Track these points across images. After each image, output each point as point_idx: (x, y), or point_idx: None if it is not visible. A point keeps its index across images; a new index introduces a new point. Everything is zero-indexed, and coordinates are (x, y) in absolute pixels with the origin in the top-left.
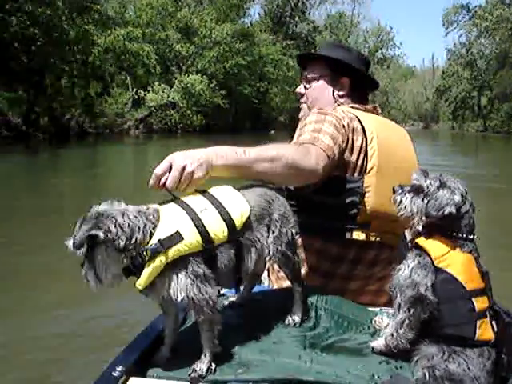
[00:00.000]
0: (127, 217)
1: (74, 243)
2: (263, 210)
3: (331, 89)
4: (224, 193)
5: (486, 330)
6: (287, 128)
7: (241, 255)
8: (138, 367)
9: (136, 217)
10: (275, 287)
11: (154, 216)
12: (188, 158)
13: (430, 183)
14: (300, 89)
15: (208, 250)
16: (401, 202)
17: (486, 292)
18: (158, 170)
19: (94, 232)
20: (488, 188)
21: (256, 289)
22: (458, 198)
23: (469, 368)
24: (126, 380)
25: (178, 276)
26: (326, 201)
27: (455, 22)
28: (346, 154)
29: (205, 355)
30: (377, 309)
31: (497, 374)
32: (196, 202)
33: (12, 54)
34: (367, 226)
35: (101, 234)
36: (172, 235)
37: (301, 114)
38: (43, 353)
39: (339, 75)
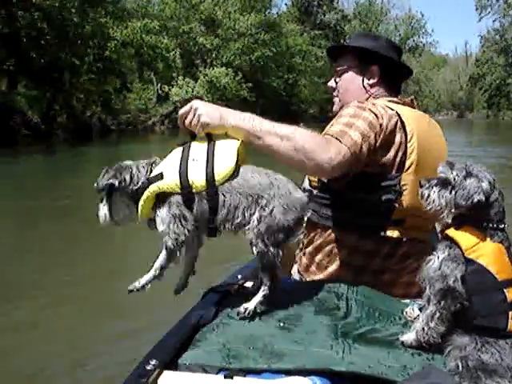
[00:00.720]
0: (138, 169)
1: (97, 187)
2: (260, 185)
3: (361, 79)
4: (224, 148)
5: None
6: (317, 120)
7: (216, 208)
8: (171, 360)
9: (144, 167)
10: (306, 280)
11: (156, 162)
12: (206, 107)
13: (457, 174)
14: (331, 83)
15: (186, 194)
16: (428, 196)
17: None
18: (181, 111)
19: (111, 181)
20: None
21: (286, 281)
22: (485, 185)
23: (502, 358)
24: (160, 373)
25: (161, 212)
26: (360, 197)
27: (489, 6)
28: (382, 152)
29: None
30: (408, 300)
31: None
32: (195, 150)
33: (22, 50)
34: (401, 222)
35: (116, 183)
36: (156, 175)
37: (334, 109)
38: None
39: (368, 64)
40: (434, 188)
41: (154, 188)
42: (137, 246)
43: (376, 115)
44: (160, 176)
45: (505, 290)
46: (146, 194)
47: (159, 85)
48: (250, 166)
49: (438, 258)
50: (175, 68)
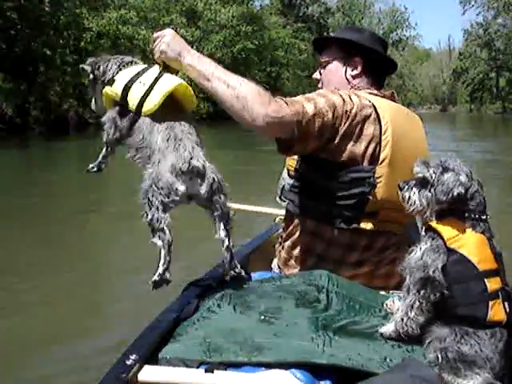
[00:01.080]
0: (111, 65)
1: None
2: (156, 144)
3: (344, 70)
4: (164, 82)
5: (498, 311)
6: None
7: (131, 134)
8: (152, 355)
9: (116, 64)
10: (285, 274)
11: (132, 63)
12: (173, 38)
13: (433, 171)
14: (316, 74)
15: (122, 107)
16: (409, 198)
17: (499, 273)
18: (154, 35)
19: (84, 66)
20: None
21: (266, 275)
22: (463, 178)
23: (481, 349)
24: (140, 368)
25: (107, 112)
26: (334, 187)
27: None
28: (350, 142)
29: None
30: (388, 293)
31: (509, 356)
32: (148, 75)
33: None
34: (375, 215)
35: (89, 69)
36: (110, 79)
37: None
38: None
39: (352, 56)
40: (414, 189)
41: (105, 89)
42: (108, 246)
43: (344, 100)
44: (112, 81)
45: (485, 280)
46: (104, 90)
47: None
48: (181, 124)
49: (421, 248)
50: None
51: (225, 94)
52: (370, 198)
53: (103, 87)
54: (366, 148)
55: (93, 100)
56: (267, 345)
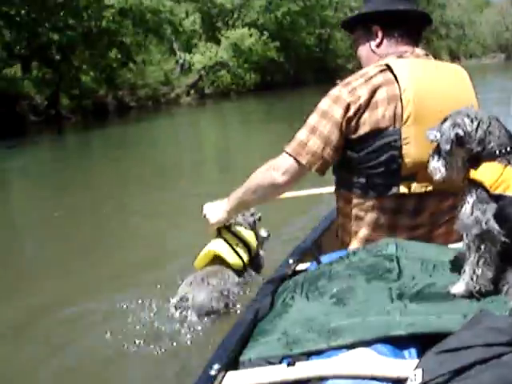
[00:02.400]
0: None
1: None
2: None
3: (368, 44)
4: (209, 246)
5: None
6: None
7: None
8: (234, 360)
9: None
10: (348, 249)
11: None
12: (210, 210)
13: (437, 129)
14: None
15: None
16: (434, 167)
17: None
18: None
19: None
20: None
21: (336, 255)
22: (460, 119)
23: None
24: (224, 376)
25: None
26: (363, 159)
27: None
28: (367, 114)
29: None
30: (458, 244)
31: None
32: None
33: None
34: (413, 177)
35: None
36: None
37: None
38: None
39: (370, 27)
40: (435, 157)
41: None
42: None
43: (337, 96)
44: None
45: None
46: None
47: (178, 54)
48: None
49: (468, 202)
50: (195, 34)
51: (256, 200)
52: (402, 160)
53: None
54: (385, 111)
55: None
56: (344, 327)
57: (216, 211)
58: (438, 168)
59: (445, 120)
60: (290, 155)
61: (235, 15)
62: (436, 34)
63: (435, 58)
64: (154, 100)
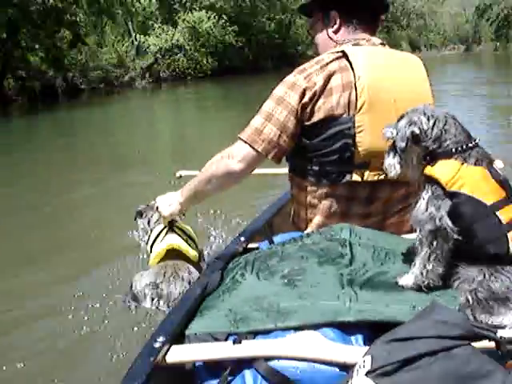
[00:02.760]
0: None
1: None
2: None
3: (325, 29)
4: (165, 241)
5: None
6: None
7: None
8: (179, 334)
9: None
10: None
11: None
12: (162, 201)
13: (393, 127)
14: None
15: None
16: (389, 164)
17: (511, 200)
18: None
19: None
20: None
21: (288, 236)
22: (416, 117)
23: None
24: (168, 349)
25: None
26: (317, 146)
27: None
28: (321, 101)
29: None
30: (410, 235)
31: None
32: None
33: None
34: (366, 165)
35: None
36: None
37: None
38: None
39: (328, 12)
40: (390, 153)
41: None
42: None
43: (293, 82)
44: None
45: (497, 213)
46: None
47: (133, 36)
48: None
49: (424, 198)
50: (151, 15)
51: (212, 188)
52: (355, 148)
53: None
54: (339, 98)
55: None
56: (293, 308)
57: (169, 203)
58: (393, 165)
59: (401, 117)
60: (245, 142)
61: None
62: (397, 23)
63: (391, 47)
64: (107, 83)
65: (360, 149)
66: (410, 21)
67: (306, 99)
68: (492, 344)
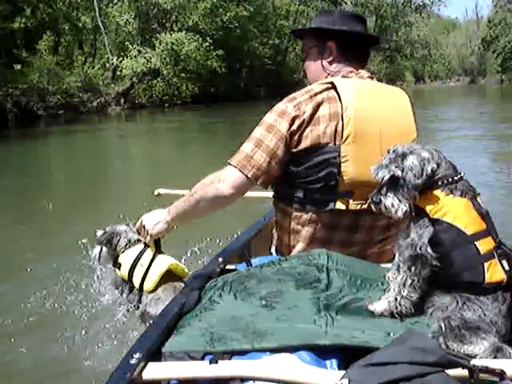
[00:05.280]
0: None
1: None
2: None
3: (320, 58)
4: (157, 265)
5: (495, 271)
6: None
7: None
8: (156, 351)
9: (124, 242)
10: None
11: (133, 244)
12: (149, 220)
13: (395, 166)
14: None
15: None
16: (392, 205)
17: (490, 232)
18: (136, 227)
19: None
20: None
21: (266, 259)
22: (426, 154)
23: (484, 314)
24: (144, 366)
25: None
26: (302, 173)
27: None
28: (309, 129)
29: None
30: (389, 264)
31: None
32: (145, 257)
33: None
34: (350, 195)
35: (101, 239)
36: (118, 262)
37: None
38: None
39: (325, 42)
40: (389, 194)
41: (116, 271)
42: None
43: (283, 110)
44: (119, 265)
45: (476, 243)
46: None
47: (106, 57)
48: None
49: (408, 226)
50: (128, 35)
51: (201, 211)
52: (340, 178)
53: (113, 259)
54: (326, 128)
55: (98, 272)
56: (270, 330)
57: (155, 222)
58: (397, 205)
59: (403, 157)
60: (235, 167)
61: (173, 17)
62: (400, 52)
63: (394, 77)
64: (71, 108)
65: (345, 178)
66: (414, 50)
67: (294, 127)
68: (465, 372)
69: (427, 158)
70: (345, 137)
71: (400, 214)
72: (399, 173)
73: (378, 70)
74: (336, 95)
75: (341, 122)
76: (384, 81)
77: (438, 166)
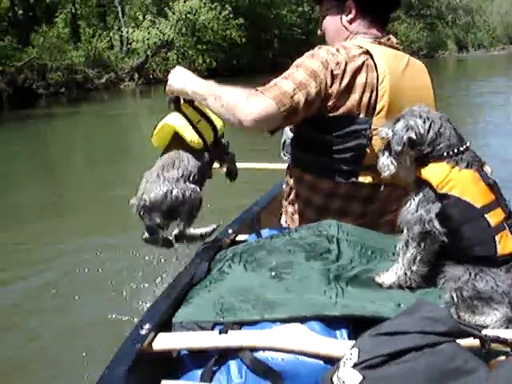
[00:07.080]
0: None
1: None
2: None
3: (339, 17)
4: (165, 120)
5: (507, 243)
6: None
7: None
8: (166, 322)
9: None
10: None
11: None
12: (177, 74)
13: (388, 127)
14: (320, 31)
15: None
16: (382, 163)
17: (499, 203)
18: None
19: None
20: None
21: (276, 231)
22: (413, 122)
23: (497, 285)
24: (154, 337)
25: None
26: (330, 142)
27: None
28: (344, 96)
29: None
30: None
31: None
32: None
33: None
34: (373, 168)
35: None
36: None
37: None
38: None
39: (344, 1)
40: (385, 153)
41: None
42: None
43: (327, 61)
44: None
45: (486, 216)
46: None
47: (116, 28)
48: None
49: (414, 199)
50: (141, 5)
51: (214, 107)
52: (368, 150)
53: None
54: (361, 98)
55: None
56: (280, 301)
57: (181, 79)
58: (387, 165)
59: (398, 120)
60: (272, 100)
61: None
62: (442, 19)
63: (436, 45)
64: (77, 86)
65: (372, 151)
66: (456, 17)
67: (333, 89)
68: (476, 342)
69: (411, 125)
70: (378, 109)
71: (386, 174)
72: (390, 135)
73: (418, 38)
74: (372, 63)
75: (375, 94)
76: (425, 50)
77: (440, 135)
